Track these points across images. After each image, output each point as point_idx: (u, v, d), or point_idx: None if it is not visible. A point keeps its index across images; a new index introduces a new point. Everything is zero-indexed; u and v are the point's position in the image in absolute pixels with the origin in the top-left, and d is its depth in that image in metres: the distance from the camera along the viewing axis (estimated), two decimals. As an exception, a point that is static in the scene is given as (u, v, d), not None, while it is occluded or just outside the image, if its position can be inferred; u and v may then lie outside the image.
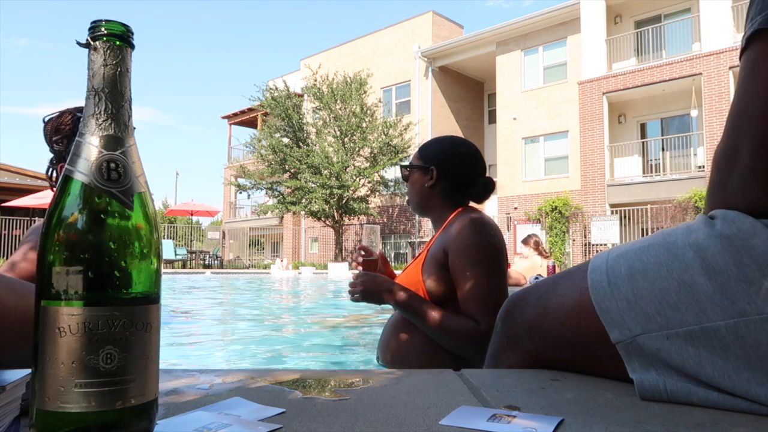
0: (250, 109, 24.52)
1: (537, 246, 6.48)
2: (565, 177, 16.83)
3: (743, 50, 0.71)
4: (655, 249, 0.73)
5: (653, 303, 0.69)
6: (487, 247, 1.49)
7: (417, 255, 1.77)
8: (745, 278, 0.63)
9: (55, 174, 1.67)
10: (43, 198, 14.59)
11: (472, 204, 1.72)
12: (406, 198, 1.75)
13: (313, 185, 18.30)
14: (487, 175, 1.71)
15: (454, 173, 1.66)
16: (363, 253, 1.71)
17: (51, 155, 1.67)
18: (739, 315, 0.63)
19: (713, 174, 0.73)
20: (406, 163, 1.83)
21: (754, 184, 0.67)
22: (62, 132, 1.63)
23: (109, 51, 0.49)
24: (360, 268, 1.69)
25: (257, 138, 20.51)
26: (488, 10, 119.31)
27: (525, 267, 6.30)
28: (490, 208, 20.32)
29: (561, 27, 17.08)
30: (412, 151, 18.23)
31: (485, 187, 1.68)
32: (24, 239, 1.58)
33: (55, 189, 1.61)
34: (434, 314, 1.45)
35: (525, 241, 6.60)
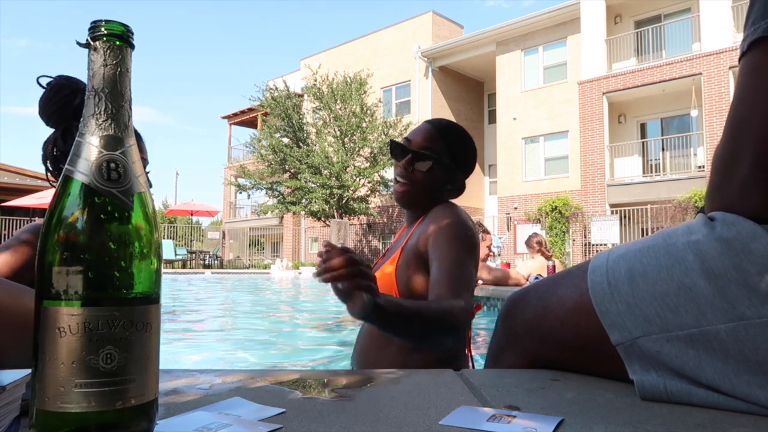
0: (250, 109, 24.52)
1: (540, 246, 6.48)
2: (565, 177, 16.83)
3: (743, 54, 0.71)
4: (655, 251, 0.73)
5: (653, 305, 0.69)
6: (466, 227, 1.34)
7: (384, 253, 1.58)
8: (745, 282, 0.63)
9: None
10: (43, 198, 14.59)
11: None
12: (402, 185, 1.44)
13: (313, 185, 18.31)
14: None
15: (466, 180, 1.51)
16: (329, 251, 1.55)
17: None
18: (738, 319, 0.63)
19: (712, 177, 0.73)
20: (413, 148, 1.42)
21: (754, 191, 0.67)
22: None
23: (109, 51, 0.49)
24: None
25: (257, 138, 20.52)
26: (488, 10, 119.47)
27: (536, 267, 6.28)
28: (490, 208, 20.33)
29: (561, 27, 17.08)
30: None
31: (463, 189, 1.54)
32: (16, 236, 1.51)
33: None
34: (423, 306, 1.20)
35: (528, 243, 6.60)
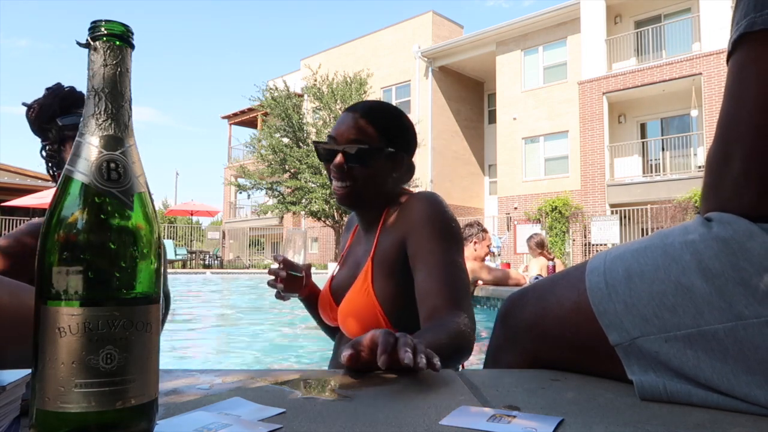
0: (250, 109, 24.53)
1: (539, 247, 6.49)
2: (565, 177, 16.84)
3: (730, 54, 0.71)
4: (652, 251, 0.73)
5: (651, 305, 0.69)
6: (448, 220, 1.18)
7: (341, 258, 1.42)
8: (742, 281, 0.63)
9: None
10: (43, 198, 14.59)
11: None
12: (340, 186, 1.24)
13: (313, 185, 18.32)
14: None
15: (412, 156, 1.30)
16: (283, 267, 1.34)
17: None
18: (736, 318, 0.63)
19: (707, 177, 0.73)
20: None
21: (748, 188, 0.67)
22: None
23: (109, 51, 0.49)
24: (280, 284, 1.35)
25: (257, 138, 20.52)
26: (488, 10, 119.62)
27: (541, 265, 6.30)
28: (490, 208, 20.32)
29: (561, 27, 17.08)
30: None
31: (413, 170, 1.34)
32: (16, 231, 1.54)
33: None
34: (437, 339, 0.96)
35: (528, 244, 6.62)
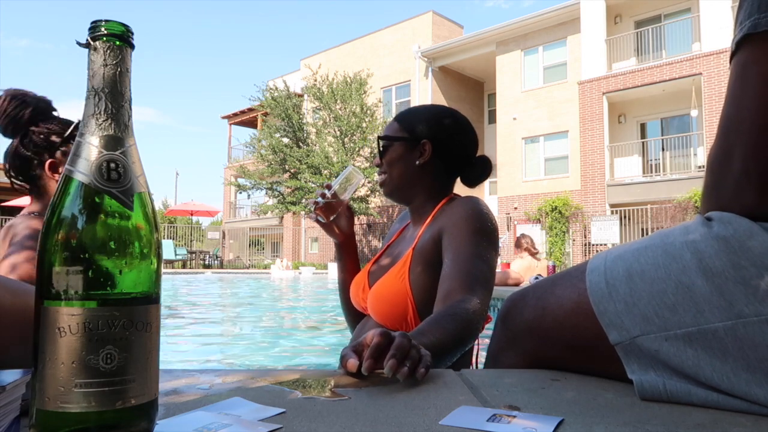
0: (250, 109, 24.54)
1: (527, 245, 6.57)
2: (565, 177, 16.83)
3: (733, 54, 0.71)
4: (652, 250, 0.73)
5: (651, 304, 0.69)
6: (484, 218, 1.25)
7: (383, 249, 1.49)
8: (743, 280, 0.63)
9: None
10: (43, 198, 14.55)
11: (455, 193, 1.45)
12: (380, 178, 1.40)
13: (313, 185, 18.32)
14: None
15: (450, 150, 1.37)
16: (328, 192, 1.40)
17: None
18: (736, 317, 0.63)
19: (707, 178, 0.73)
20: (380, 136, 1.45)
21: (749, 188, 0.67)
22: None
23: (109, 51, 0.49)
24: (317, 210, 1.41)
25: (257, 138, 20.54)
26: (488, 10, 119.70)
27: (524, 267, 6.35)
28: (490, 208, 20.32)
29: (561, 27, 17.08)
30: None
31: (484, 167, 1.40)
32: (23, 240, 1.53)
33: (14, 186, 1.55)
34: (449, 328, 1.01)
35: (518, 245, 6.69)
